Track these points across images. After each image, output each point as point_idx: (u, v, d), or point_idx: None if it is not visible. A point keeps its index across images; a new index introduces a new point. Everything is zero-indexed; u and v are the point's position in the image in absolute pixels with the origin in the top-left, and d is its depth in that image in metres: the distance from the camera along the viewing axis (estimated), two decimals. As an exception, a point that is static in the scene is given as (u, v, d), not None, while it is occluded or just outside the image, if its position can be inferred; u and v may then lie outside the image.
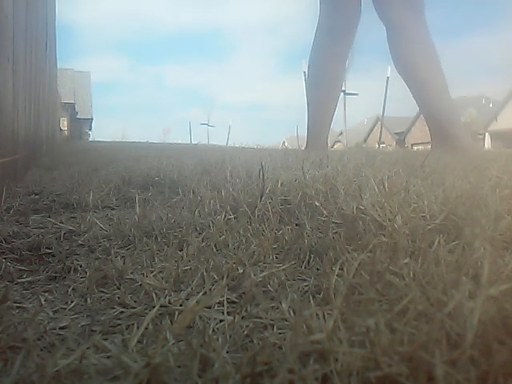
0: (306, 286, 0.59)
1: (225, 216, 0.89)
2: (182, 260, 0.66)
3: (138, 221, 0.89)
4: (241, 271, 0.61)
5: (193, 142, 7.15)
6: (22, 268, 0.70)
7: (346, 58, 2.74)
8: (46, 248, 0.78)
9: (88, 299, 0.57)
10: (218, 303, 0.53)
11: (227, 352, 0.41)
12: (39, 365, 0.35)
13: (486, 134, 19.95)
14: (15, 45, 1.53)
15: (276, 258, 0.70)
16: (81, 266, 0.69)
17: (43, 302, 0.56)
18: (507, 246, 0.66)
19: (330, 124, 2.92)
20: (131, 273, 0.64)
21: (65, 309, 0.54)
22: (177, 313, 0.51)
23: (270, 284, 0.58)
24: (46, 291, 0.61)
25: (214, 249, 0.74)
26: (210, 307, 0.51)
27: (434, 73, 2.58)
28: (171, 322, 0.47)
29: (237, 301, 0.55)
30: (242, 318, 0.49)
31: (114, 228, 0.88)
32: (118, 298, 0.56)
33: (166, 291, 0.56)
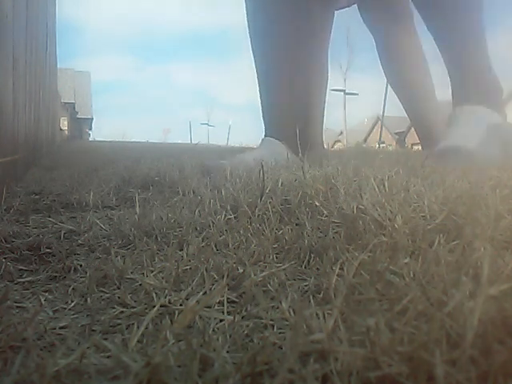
0: (306, 285, 0.59)
1: (225, 216, 0.89)
2: (182, 260, 0.66)
3: (138, 220, 0.89)
4: (241, 271, 0.61)
5: (193, 142, 7.15)
6: (22, 268, 0.70)
7: (326, 52, 2.64)
8: (46, 248, 0.78)
9: (88, 299, 0.57)
10: (218, 303, 0.53)
11: (227, 352, 0.41)
12: (39, 364, 0.35)
13: (486, 133, 19.92)
14: (15, 44, 1.53)
15: (276, 257, 0.70)
16: (81, 266, 0.69)
17: (43, 302, 0.56)
18: (507, 245, 0.66)
19: (322, 122, 2.86)
20: (131, 272, 0.64)
21: (65, 308, 0.54)
22: (177, 312, 0.51)
23: (270, 284, 0.58)
24: (46, 291, 0.61)
25: (214, 248, 0.74)
26: (210, 307, 0.51)
27: (422, 82, 2.60)
28: (171, 321, 0.47)
29: (237, 300, 0.55)
30: (242, 317, 0.49)
31: (114, 228, 0.88)
32: (118, 297, 0.56)
33: (166, 291, 0.56)
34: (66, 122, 14.59)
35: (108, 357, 0.39)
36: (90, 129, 22.90)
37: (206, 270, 0.62)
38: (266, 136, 1.99)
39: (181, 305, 0.52)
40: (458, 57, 1.59)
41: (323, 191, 0.99)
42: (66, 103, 15.32)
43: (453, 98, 1.59)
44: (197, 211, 0.94)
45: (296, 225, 0.85)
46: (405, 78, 2.62)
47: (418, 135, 2.74)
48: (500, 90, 1.57)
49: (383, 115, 10.31)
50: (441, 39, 1.68)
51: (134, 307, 0.53)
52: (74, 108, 19.45)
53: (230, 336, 0.44)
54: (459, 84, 1.54)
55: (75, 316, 0.52)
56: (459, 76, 1.55)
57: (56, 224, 0.94)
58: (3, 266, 0.67)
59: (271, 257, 0.69)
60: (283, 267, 0.63)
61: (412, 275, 0.52)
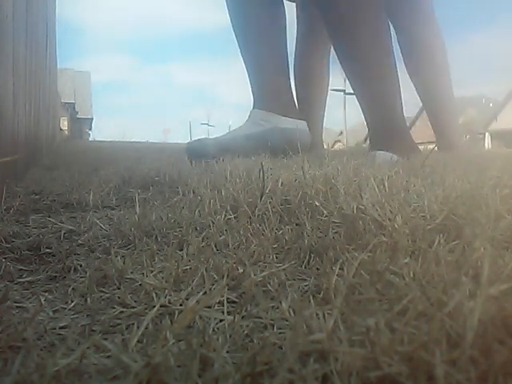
0: (306, 285, 0.59)
1: (225, 216, 0.89)
2: (182, 260, 0.66)
3: (137, 220, 0.89)
4: (241, 271, 0.61)
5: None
6: (22, 268, 0.70)
7: (327, 58, 2.78)
8: (46, 248, 0.78)
9: (88, 299, 0.57)
10: (218, 303, 0.53)
11: (227, 352, 0.41)
12: (39, 364, 0.35)
13: (486, 133, 19.96)
14: (15, 44, 1.53)
15: (276, 257, 0.70)
16: (81, 266, 0.69)
17: (43, 302, 0.56)
18: (507, 245, 0.66)
19: (322, 122, 2.97)
20: (131, 272, 0.64)
21: (65, 308, 0.54)
22: (177, 312, 0.51)
23: (269, 284, 0.58)
24: (45, 291, 0.61)
25: (214, 248, 0.74)
26: (210, 307, 0.51)
27: (441, 81, 2.65)
28: (171, 321, 0.47)
29: (237, 300, 0.55)
30: (242, 317, 0.49)
31: (113, 228, 0.88)
32: (118, 297, 0.56)
33: (166, 291, 0.56)
34: (65, 122, 14.58)
35: (108, 357, 0.39)
36: (90, 129, 22.90)
37: (206, 270, 0.62)
38: (254, 108, 2.09)
39: (181, 305, 0.52)
40: (370, 110, 1.96)
41: (323, 191, 0.99)
42: (66, 103, 15.32)
43: (369, 141, 1.96)
44: (197, 211, 0.93)
45: (296, 225, 0.85)
46: (424, 77, 2.66)
47: (434, 133, 2.78)
48: (403, 133, 1.92)
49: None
50: (356, 93, 2.00)
51: (134, 307, 0.53)
52: (74, 108, 19.46)
53: (230, 336, 0.44)
54: (372, 131, 1.93)
55: (75, 316, 0.52)
56: (372, 125, 1.93)
57: (56, 224, 0.94)
58: (3, 266, 0.67)
59: (271, 257, 0.69)
60: (283, 267, 0.63)
61: (412, 275, 0.52)
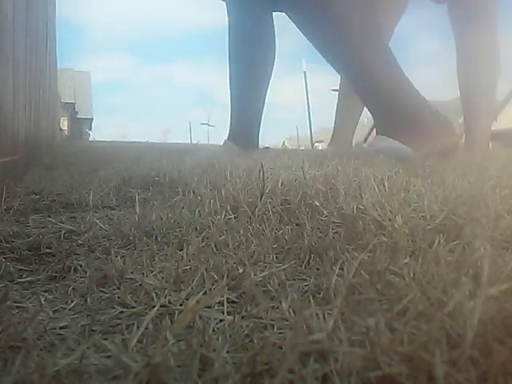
0: (306, 285, 0.59)
1: (225, 216, 0.89)
2: (182, 260, 0.66)
3: (138, 220, 0.89)
4: (241, 271, 0.61)
5: (193, 142, 7.16)
6: (22, 268, 0.70)
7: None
8: (46, 248, 0.78)
9: (88, 299, 0.57)
10: (218, 303, 0.53)
11: (227, 352, 0.41)
12: (39, 364, 0.35)
13: (486, 133, 19.97)
14: (15, 45, 1.53)
15: (276, 257, 0.70)
16: (81, 266, 0.69)
17: (43, 302, 0.56)
18: (507, 245, 0.66)
19: (357, 123, 3.21)
20: (131, 272, 0.64)
21: (65, 308, 0.54)
22: (177, 312, 0.51)
23: (269, 284, 0.58)
24: (45, 291, 0.61)
25: (214, 248, 0.74)
26: (210, 307, 0.51)
27: (485, 86, 2.68)
28: (171, 321, 0.47)
29: (237, 300, 0.55)
30: (242, 317, 0.49)
31: (113, 228, 0.88)
32: (118, 297, 0.56)
33: (166, 291, 0.56)
34: (65, 122, 14.58)
35: (108, 357, 0.39)
36: (90, 129, 22.92)
37: (206, 270, 0.62)
38: (229, 139, 2.48)
39: (181, 305, 0.52)
40: (366, 98, 2.06)
41: (323, 191, 0.99)
42: (66, 103, 15.33)
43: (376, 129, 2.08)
44: (197, 211, 0.93)
45: (296, 225, 0.85)
46: (470, 80, 2.67)
47: (465, 133, 2.80)
48: (408, 120, 1.92)
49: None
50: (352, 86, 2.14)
51: (134, 307, 0.53)
52: (74, 108, 19.47)
53: (230, 336, 0.44)
54: (377, 120, 2.02)
55: (75, 316, 0.52)
56: (376, 116, 2.02)
57: (56, 224, 0.94)
58: (3, 266, 0.67)
59: (271, 257, 0.69)
60: (283, 267, 0.63)
61: (412, 275, 0.52)
